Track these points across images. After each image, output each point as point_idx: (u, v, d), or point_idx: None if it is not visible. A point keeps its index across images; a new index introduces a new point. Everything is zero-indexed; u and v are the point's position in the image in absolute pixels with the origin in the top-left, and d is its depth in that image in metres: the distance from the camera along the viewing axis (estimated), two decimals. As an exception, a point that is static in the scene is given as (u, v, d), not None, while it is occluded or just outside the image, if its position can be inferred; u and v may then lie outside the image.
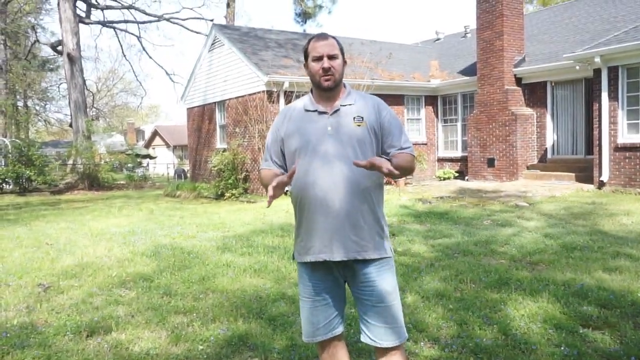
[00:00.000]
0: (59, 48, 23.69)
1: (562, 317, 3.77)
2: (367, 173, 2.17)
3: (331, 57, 2.24)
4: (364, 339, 2.30)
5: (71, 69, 20.92)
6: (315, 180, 2.21)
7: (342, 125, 2.24)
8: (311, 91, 2.37)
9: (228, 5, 25.02)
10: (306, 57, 2.31)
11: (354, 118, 2.25)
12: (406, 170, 2.25)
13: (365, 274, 2.24)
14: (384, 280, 2.24)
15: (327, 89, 2.26)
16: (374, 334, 2.25)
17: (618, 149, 10.78)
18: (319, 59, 2.24)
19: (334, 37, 2.30)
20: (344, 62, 2.31)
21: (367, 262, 2.24)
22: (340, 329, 2.36)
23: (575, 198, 9.99)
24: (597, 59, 10.65)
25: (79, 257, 6.56)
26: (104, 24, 25.90)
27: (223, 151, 15.45)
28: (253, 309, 4.21)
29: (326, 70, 2.23)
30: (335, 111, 2.27)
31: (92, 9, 24.27)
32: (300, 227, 2.31)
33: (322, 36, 2.29)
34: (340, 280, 2.33)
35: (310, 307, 2.33)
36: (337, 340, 2.37)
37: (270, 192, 2.09)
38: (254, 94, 14.31)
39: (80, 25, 22.27)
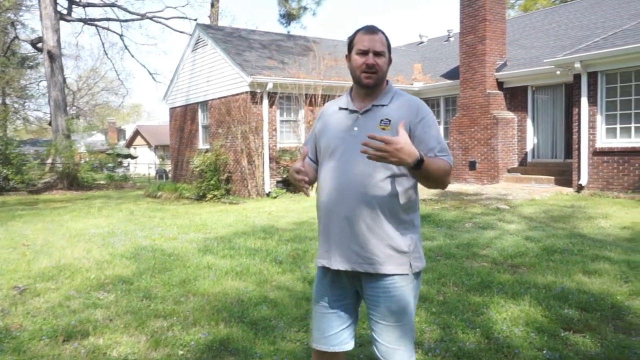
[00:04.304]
0: (39, 45, 23.28)
1: (543, 320, 3.79)
2: (382, 179, 2.02)
3: (377, 54, 2.07)
4: (373, 351, 2.15)
5: (51, 66, 20.56)
6: (326, 182, 2.11)
7: (367, 127, 2.05)
8: (352, 88, 2.22)
9: (212, 5, 24.86)
10: (350, 48, 2.13)
11: (381, 121, 2.06)
12: (436, 179, 1.98)
13: (372, 287, 2.06)
14: (392, 298, 2.04)
15: (366, 86, 2.10)
16: (379, 350, 2.09)
17: (596, 153, 10.96)
18: (364, 53, 2.07)
19: (383, 33, 2.12)
20: (390, 61, 2.14)
21: (373, 276, 2.05)
22: (348, 347, 2.17)
23: (554, 201, 10.12)
24: (577, 65, 10.81)
25: (57, 258, 6.43)
26: (86, 21, 25.55)
27: (205, 152, 15.32)
28: (234, 313, 4.16)
29: (370, 67, 2.06)
30: (366, 111, 2.11)
31: (73, 6, 23.92)
32: (318, 230, 2.21)
33: (372, 29, 2.10)
34: (351, 290, 2.16)
35: (317, 312, 2.20)
36: (339, 358, 2.20)
37: (298, 178, 2.03)
38: (238, 94, 14.22)
39: (61, 22, 21.92)
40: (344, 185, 2.05)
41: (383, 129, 2.03)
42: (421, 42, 22.98)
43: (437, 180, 1.99)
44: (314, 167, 2.25)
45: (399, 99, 2.13)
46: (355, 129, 2.09)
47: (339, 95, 2.34)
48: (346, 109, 2.16)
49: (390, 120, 2.05)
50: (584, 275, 4.98)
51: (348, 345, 2.17)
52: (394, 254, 2.03)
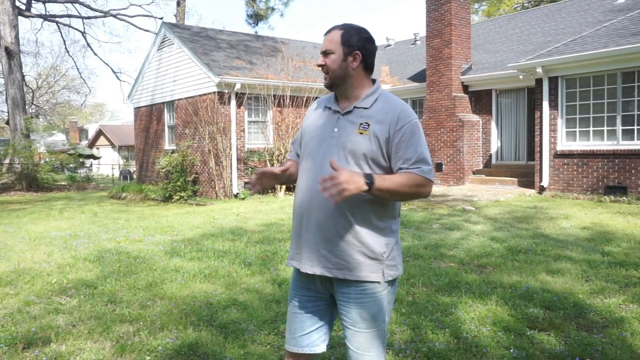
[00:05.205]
0: (-4, 41, 22.42)
1: (510, 319, 3.87)
2: None
3: (325, 54, 2.05)
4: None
5: (9, 63, 19.85)
6: (302, 182, 2.08)
7: (346, 129, 2.01)
8: None
9: (178, 4, 24.49)
10: None
11: (360, 124, 1.99)
12: (403, 195, 1.93)
13: (343, 293, 2.03)
14: (363, 304, 2.00)
15: (326, 87, 2.09)
16: (349, 355, 2.08)
17: (557, 155, 11.29)
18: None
19: (342, 28, 2.06)
20: (353, 56, 2.02)
21: (344, 281, 2.01)
22: (318, 349, 2.12)
23: (518, 202, 10.37)
24: (539, 69, 11.13)
25: (15, 262, 6.19)
26: (46, 17, 24.79)
27: (172, 152, 15.08)
28: (203, 316, 4.09)
29: (321, 68, 2.07)
30: (348, 112, 2.05)
31: (33, 1, 23.16)
32: (292, 229, 2.18)
33: (327, 31, 2.08)
34: (325, 293, 2.12)
35: (290, 313, 2.18)
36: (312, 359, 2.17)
37: (252, 178, 2.09)
38: (205, 94, 14.04)
39: (20, 18, 21.19)
40: (317, 187, 1.98)
41: (361, 133, 1.98)
42: (388, 45, 23.21)
43: (405, 195, 1.95)
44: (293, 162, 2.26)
45: (381, 103, 2.03)
46: (336, 130, 2.04)
47: (311, 97, 2.33)
48: (330, 108, 2.12)
49: (369, 125, 1.98)
50: (547, 274, 5.11)
51: (318, 347, 2.12)
52: (365, 260, 1.98)
